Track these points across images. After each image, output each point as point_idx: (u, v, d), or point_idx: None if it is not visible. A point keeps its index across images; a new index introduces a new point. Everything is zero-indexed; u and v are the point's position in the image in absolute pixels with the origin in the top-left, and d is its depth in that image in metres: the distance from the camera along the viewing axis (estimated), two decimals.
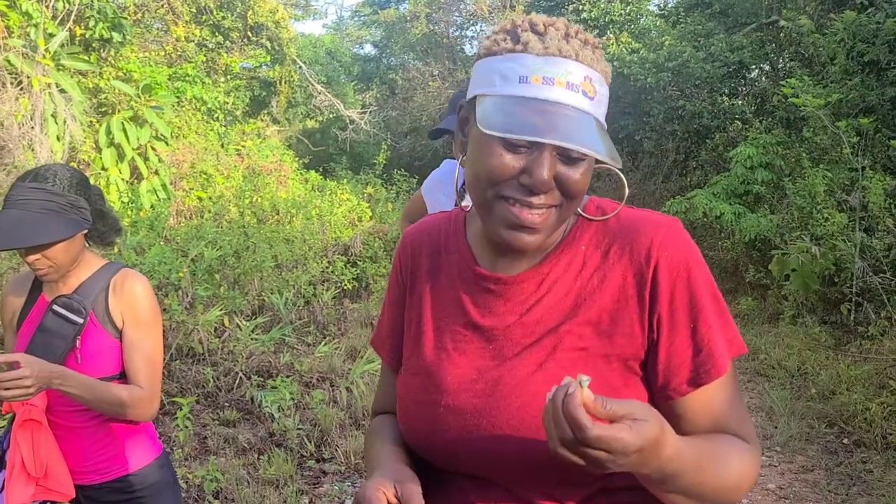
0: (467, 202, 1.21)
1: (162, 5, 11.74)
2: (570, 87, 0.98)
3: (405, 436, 1.15)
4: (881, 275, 5.92)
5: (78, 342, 1.88)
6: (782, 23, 9.24)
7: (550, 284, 1.08)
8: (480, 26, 20.48)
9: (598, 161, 1.05)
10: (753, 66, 11.27)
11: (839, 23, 7.61)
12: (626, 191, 1.13)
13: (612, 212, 1.10)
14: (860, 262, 6.12)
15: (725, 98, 11.12)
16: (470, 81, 1.10)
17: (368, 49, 24.75)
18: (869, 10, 7.79)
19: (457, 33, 21.16)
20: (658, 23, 14.20)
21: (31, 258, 1.82)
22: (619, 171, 1.12)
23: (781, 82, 8.56)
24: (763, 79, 11.28)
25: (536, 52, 0.99)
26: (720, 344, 1.03)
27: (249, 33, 13.67)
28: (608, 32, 14.23)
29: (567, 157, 0.99)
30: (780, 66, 10.92)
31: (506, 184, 1.00)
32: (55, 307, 1.90)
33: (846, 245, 6.27)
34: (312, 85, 16.58)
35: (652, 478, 0.92)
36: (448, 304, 1.15)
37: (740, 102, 11.06)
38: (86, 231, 1.89)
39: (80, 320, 1.89)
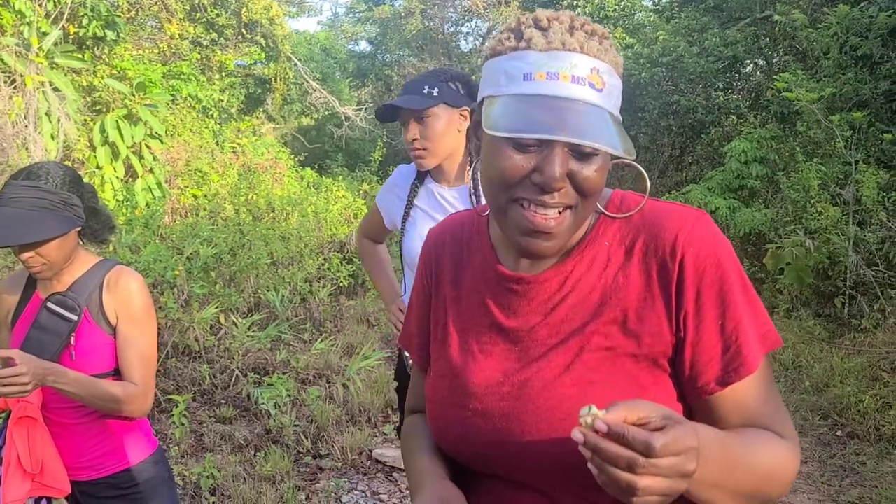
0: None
1: (155, 3, 11.71)
2: (576, 81, 0.95)
3: (436, 438, 1.14)
4: (874, 268, 5.95)
5: (72, 339, 1.89)
6: (776, 17, 9.26)
7: (574, 283, 1.05)
8: (475, 22, 20.49)
9: (614, 155, 1.02)
10: (748, 61, 11.28)
11: (832, 17, 7.63)
12: (648, 183, 1.09)
13: (635, 205, 1.07)
14: (854, 255, 6.15)
15: (720, 93, 11.14)
16: (479, 84, 1.09)
17: (363, 46, 24.74)
18: (862, 4, 7.81)
19: (452, 29, 21.16)
20: (652, 18, 14.21)
21: (25, 256, 1.82)
22: (637, 164, 1.08)
23: (775, 77, 8.58)
24: (757, 73, 11.30)
25: (540, 48, 0.97)
26: (750, 340, 0.99)
27: (244, 30, 13.64)
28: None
29: (579, 154, 0.96)
30: (774, 60, 10.94)
31: (519, 186, 0.98)
32: (49, 304, 1.91)
33: (840, 239, 6.30)
34: (307, 82, 16.56)
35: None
36: (472, 305, 1.13)
37: (735, 97, 11.08)
38: (79, 228, 1.90)
39: (75, 317, 1.90)
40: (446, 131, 2.21)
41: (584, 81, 0.95)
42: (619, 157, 1.05)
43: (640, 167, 1.09)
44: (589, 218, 1.06)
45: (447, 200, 2.28)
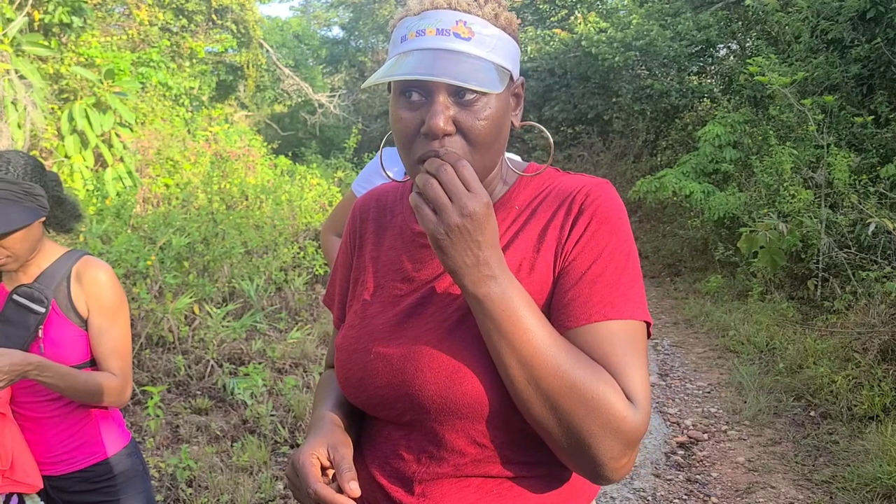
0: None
1: None
2: (441, 33, 1.03)
3: (342, 387, 1.19)
4: (846, 250, 6.02)
5: (41, 332, 1.85)
6: (748, 1, 9.29)
7: None
8: None
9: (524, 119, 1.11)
10: (721, 45, 11.34)
11: (803, 0, 7.67)
12: (552, 142, 1.18)
13: (548, 175, 1.17)
14: (826, 238, 6.22)
15: (693, 77, 11.19)
16: None
17: (336, 32, 24.57)
18: None
19: None
20: (625, 2, 14.21)
21: None
22: (538, 124, 1.23)
23: (748, 61, 8.62)
24: (730, 57, 11.36)
25: (414, 13, 1.07)
26: (610, 293, 1.03)
27: (214, 16, 13.44)
28: (576, 12, 14.22)
29: (461, 101, 1.03)
30: (747, 44, 11.00)
31: (416, 144, 1.05)
32: (15, 297, 1.86)
33: (812, 221, 6.36)
34: (280, 69, 16.39)
35: (488, 317, 0.97)
36: (389, 262, 1.21)
37: (708, 81, 11.14)
38: (44, 219, 1.85)
39: (42, 310, 1.85)
40: None
41: (448, 32, 1.03)
42: (528, 121, 1.18)
43: (540, 126, 1.22)
44: (499, 177, 1.17)
45: None
